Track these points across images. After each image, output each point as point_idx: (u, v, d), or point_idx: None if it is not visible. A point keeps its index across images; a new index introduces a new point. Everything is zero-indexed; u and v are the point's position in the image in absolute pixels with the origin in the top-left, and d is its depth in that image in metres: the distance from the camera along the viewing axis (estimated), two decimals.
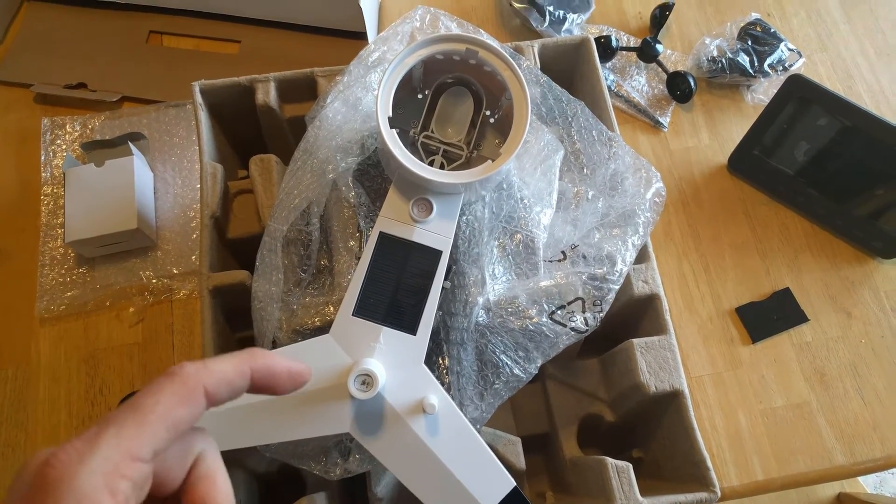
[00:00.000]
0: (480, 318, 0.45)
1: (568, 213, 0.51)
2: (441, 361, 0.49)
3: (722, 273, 0.69)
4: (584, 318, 0.45)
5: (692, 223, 0.71)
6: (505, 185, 0.49)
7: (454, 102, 0.48)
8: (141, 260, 0.70)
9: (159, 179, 0.74)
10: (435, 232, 0.44)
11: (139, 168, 0.70)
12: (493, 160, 0.43)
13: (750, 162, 0.72)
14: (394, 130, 0.43)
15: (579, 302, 0.45)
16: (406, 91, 0.48)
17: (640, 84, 0.78)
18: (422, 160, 0.45)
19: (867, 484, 1.45)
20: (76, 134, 0.76)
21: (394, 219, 0.44)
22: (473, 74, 0.47)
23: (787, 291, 0.68)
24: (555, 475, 0.60)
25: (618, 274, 0.46)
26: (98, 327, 0.68)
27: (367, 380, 0.40)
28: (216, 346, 0.52)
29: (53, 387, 0.66)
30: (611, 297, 0.46)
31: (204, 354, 0.52)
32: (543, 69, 0.59)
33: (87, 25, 0.83)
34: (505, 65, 0.44)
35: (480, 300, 0.45)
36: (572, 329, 0.45)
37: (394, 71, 0.44)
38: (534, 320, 0.45)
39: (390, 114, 0.43)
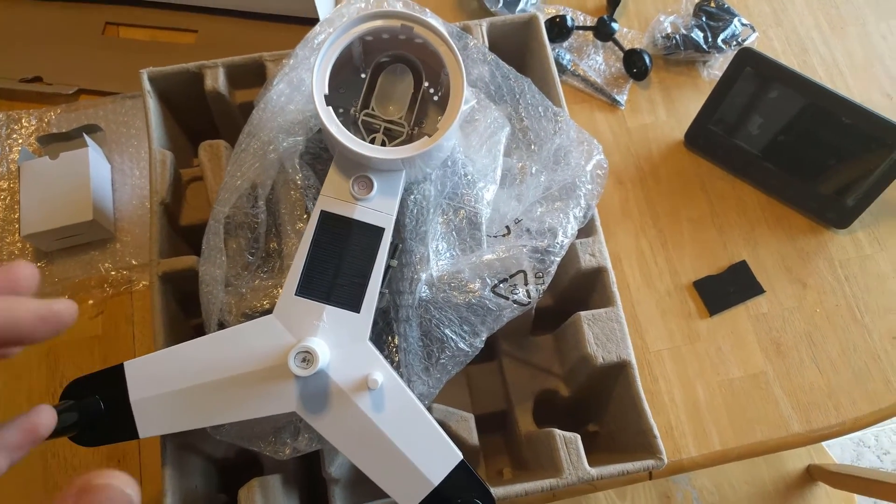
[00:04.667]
0: (423, 294, 0.45)
1: (513, 188, 0.51)
2: (391, 340, 0.49)
3: (679, 248, 0.70)
4: (527, 291, 0.46)
5: (650, 199, 0.72)
6: (450, 163, 0.50)
7: (395, 80, 0.48)
8: (99, 252, 0.70)
9: (117, 171, 0.73)
10: (376, 209, 0.44)
11: (95, 159, 0.69)
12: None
13: (706, 137, 0.72)
14: (330, 108, 0.43)
15: (521, 275, 0.46)
16: (348, 71, 0.48)
17: (598, 63, 0.78)
18: (363, 138, 0.45)
19: (844, 459, 1.47)
20: (32, 128, 0.76)
21: (335, 197, 0.44)
22: (420, 55, 0.47)
23: (743, 264, 0.69)
24: (513, 452, 0.61)
25: (559, 246, 0.46)
26: None
27: (308, 357, 0.40)
28: (168, 333, 0.52)
29: (14, 383, 0.65)
30: (553, 268, 0.46)
31: (155, 341, 0.52)
32: (492, 48, 0.59)
33: (42, 18, 0.82)
34: (440, 39, 0.44)
35: (424, 276, 0.46)
36: (515, 302, 0.45)
37: (329, 47, 0.44)
38: (476, 294, 0.45)
39: (327, 91, 0.43)
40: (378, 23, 0.44)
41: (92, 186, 0.67)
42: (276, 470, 0.52)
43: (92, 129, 0.73)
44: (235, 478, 0.58)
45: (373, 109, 0.47)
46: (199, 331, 0.59)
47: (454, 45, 0.43)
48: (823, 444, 1.02)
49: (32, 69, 0.78)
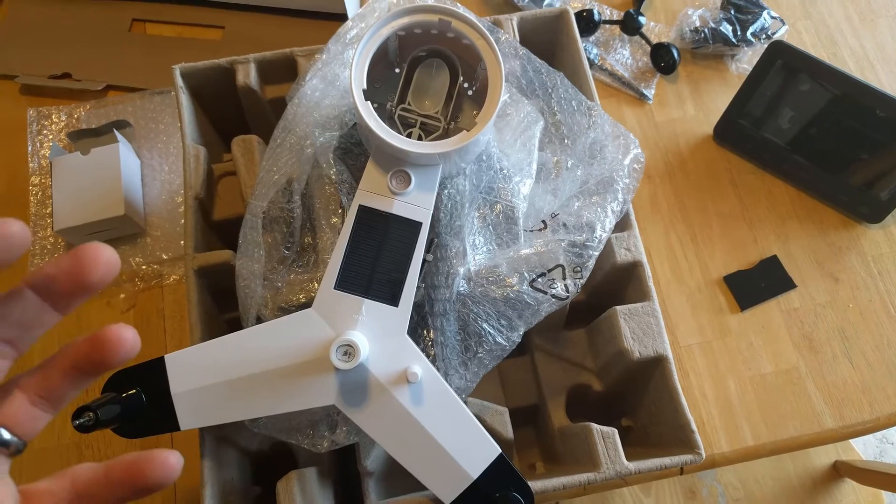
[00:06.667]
0: (462, 288, 0.45)
1: (548, 183, 0.51)
2: (426, 334, 0.49)
3: (709, 243, 0.69)
4: (565, 285, 0.45)
5: (679, 194, 0.72)
6: (484, 157, 0.50)
7: (431, 75, 0.48)
8: (130, 247, 0.70)
9: (146, 167, 0.74)
10: (414, 204, 0.44)
11: (125, 155, 0.70)
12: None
13: (735, 131, 0.72)
14: (368, 102, 0.43)
15: (560, 269, 0.46)
16: (383, 66, 0.48)
17: (625, 57, 0.78)
18: (399, 133, 0.45)
19: (867, 455, 1.46)
20: (62, 124, 0.76)
21: (372, 191, 0.44)
22: (453, 48, 0.47)
23: (774, 259, 0.68)
24: (545, 446, 0.61)
25: (597, 240, 0.46)
26: (90, 315, 0.68)
27: (349, 350, 0.41)
28: (203, 327, 0.53)
29: None
30: (591, 263, 0.46)
31: (192, 335, 0.53)
32: (523, 42, 0.59)
33: (70, 15, 0.83)
34: (478, 34, 0.44)
35: (462, 270, 0.46)
36: (553, 296, 0.45)
37: (368, 42, 0.44)
38: (514, 288, 0.45)
39: (365, 86, 0.43)
40: (416, 17, 0.44)
41: (123, 181, 0.68)
42: (311, 463, 0.53)
43: (121, 125, 0.74)
44: (269, 471, 0.58)
45: (409, 104, 0.47)
46: (232, 325, 0.59)
47: (492, 40, 0.43)
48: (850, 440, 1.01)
49: (61, 66, 0.79)
